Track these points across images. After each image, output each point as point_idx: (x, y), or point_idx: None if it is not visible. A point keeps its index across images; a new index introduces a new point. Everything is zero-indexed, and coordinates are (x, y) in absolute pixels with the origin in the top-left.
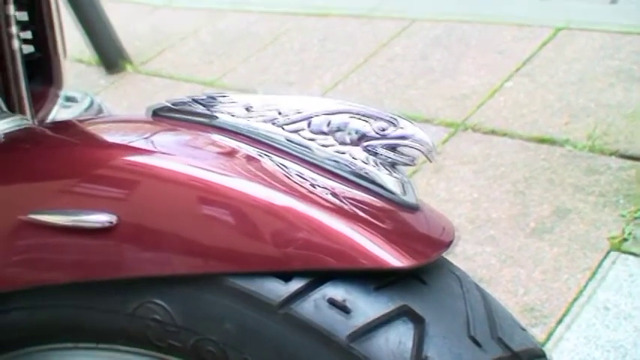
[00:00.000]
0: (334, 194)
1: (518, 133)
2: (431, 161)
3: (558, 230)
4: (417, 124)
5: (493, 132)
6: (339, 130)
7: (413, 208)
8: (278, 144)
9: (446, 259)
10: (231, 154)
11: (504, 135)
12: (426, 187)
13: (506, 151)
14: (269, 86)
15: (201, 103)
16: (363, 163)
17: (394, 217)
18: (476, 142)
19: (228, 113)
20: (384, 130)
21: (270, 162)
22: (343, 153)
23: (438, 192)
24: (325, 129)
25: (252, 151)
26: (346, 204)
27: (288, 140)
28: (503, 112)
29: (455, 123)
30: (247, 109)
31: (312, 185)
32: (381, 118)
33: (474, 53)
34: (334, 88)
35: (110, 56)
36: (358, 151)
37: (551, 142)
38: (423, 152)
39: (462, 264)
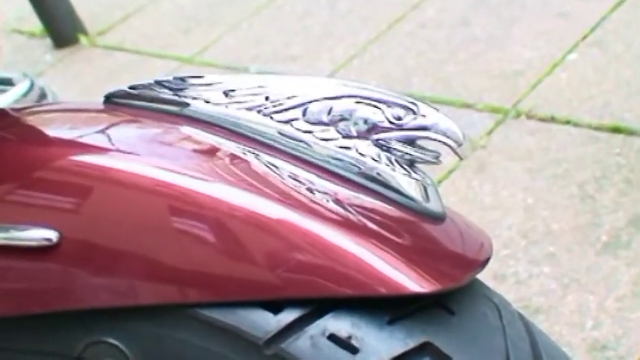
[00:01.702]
0: (337, 201)
1: (586, 120)
2: (461, 158)
3: (637, 245)
4: (454, 109)
5: (553, 119)
6: (342, 119)
7: (437, 219)
8: (266, 138)
9: (480, 282)
10: (207, 151)
11: (567, 122)
12: (465, 191)
13: (570, 144)
14: (264, 63)
15: (168, 87)
16: (373, 162)
17: (413, 230)
18: (531, 132)
19: (203, 99)
20: (400, 118)
21: (256, 161)
22: (348, 148)
23: (481, 197)
24: (325, 118)
25: (233, 147)
26: (353, 213)
27: (278, 133)
28: (565, 92)
29: (503, 108)
30: (227, 94)
31: (310, 190)
32: (397, 104)
33: (528, 17)
34: (348, 64)
35: (59, 25)
36: (367, 146)
37: (628, 131)
38: (450, 146)
39: (513, 290)
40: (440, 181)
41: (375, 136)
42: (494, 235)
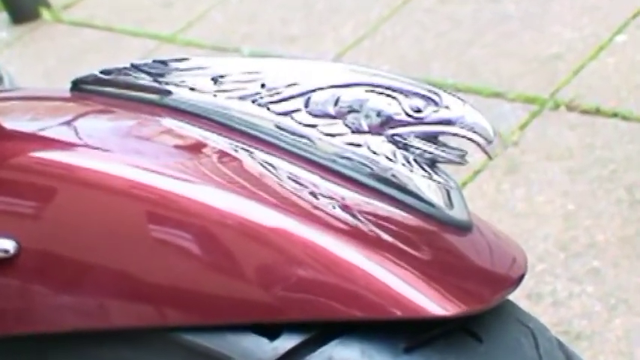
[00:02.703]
0: (345, 208)
1: (636, 112)
2: (490, 157)
3: None
4: (481, 99)
5: (598, 111)
6: (351, 111)
7: (462, 229)
8: (261, 133)
9: (512, 303)
10: (191, 148)
11: (614, 115)
12: (494, 195)
13: (617, 140)
14: (258, 44)
15: (146, 72)
16: (387, 161)
17: (434, 242)
18: (571, 127)
19: (187, 87)
20: (419, 110)
21: (250, 160)
22: (358, 145)
23: (512, 202)
24: (332, 110)
25: (222, 143)
26: (363, 222)
27: (276, 127)
28: (612, 80)
29: (540, 98)
30: (215, 81)
31: (313, 194)
32: (415, 93)
33: None
34: (357, 46)
35: None
36: (381, 143)
37: None
38: (478, 144)
39: (551, 312)
40: (464, 184)
41: (390, 131)
42: (528, 247)
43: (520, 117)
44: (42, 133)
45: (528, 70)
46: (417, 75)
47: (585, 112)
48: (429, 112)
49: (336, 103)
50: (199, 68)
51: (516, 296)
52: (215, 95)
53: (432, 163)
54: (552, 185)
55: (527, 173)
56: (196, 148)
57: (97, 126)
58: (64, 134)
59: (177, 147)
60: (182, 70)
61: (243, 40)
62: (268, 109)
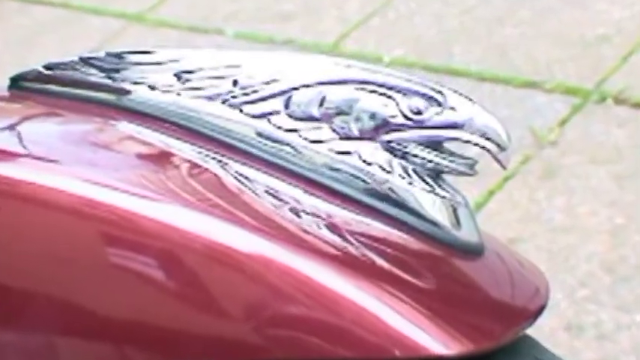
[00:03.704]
0: (333, 228)
1: None
2: (504, 167)
3: None
4: (512, 90)
5: None
6: (340, 112)
7: (472, 252)
8: (234, 139)
9: (532, 339)
10: (152, 158)
11: None
12: (527, 206)
13: None
14: (245, 23)
15: (98, 67)
16: (383, 172)
17: (438, 269)
18: (620, 123)
19: (148, 85)
20: (420, 112)
21: (221, 171)
22: (348, 154)
23: (549, 214)
24: (316, 112)
25: (189, 151)
26: (354, 245)
27: (251, 132)
28: None
29: (583, 89)
30: (180, 77)
31: (295, 212)
32: (415, 92)
33: None
34: (364, 25)
35: None
36: (375, 151)
37: None
38: (489, 151)
39: (594, 346)
40: (492, 192)
41: (386, 137)
42: (568, 269)
43: (559, 111)
44: None
45: (569, 55)
46: (436, 60)
47: (637, 105)
48: (431, 114)
49: (322, 103)
50: (161, 62)
51: (553, 328)
52: (179, 94)
53: (436, 175)
54: (597, 194)
55: (567, 179)
56: (158, 157)
57: (40, 131)
58: (0, 141)
59: (135, 156)
60: (141, 64)
61: (228, 18)
62: (241, 110)
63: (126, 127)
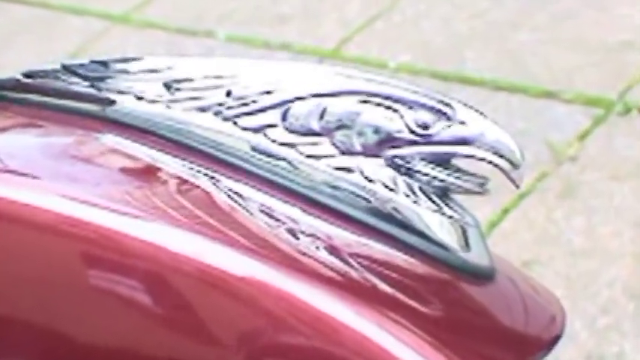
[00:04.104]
0: (333, 250)
1: None
2: (517, 186)
3: None
4: (528, 100)
5: None
6: (341, 126)
7: (482, 277)
8: (226, 154)
9: None
10: (139, 173)
11: None
12: (544, 226)
13: None
14: (239, 25)
15: (82, 76)
16: (387, 190)
17: (445, 295)
18: None
19: (135, 95)
20: (427, 126)
21: (212, 188)
22: (350, 171)
23: (568, 235)
24: (316, 125)
25: (178, 167)
26: (355, 268)
27: (246, 147)
28: None
29: (605, 99)
30: (169, 87)
31: (292, 233)
32: (422, 105)
33: None
34: (367, 28)
35: None
36: (378, 168)
37: None
38: (501, 169)
39: None
40: (506, 211)
41: (390, 153)
42: (589, 295)
43: (579, 124)
44: None
45: (590, 62)
46: (446, 67)
47: None
48: (439, 129)
49: (322, 116)
50: (150, 71)
51: (572, 358)
52: (168, 106)
53: (443, 194)
54: (620, 213)
55: (587, 197)
56: (145, 172)
57: (17, 144)
58: None
59: (120, 171)
60: (128, 73)
61: (219, 20)
62: (235, 123)
63: (110, 139)
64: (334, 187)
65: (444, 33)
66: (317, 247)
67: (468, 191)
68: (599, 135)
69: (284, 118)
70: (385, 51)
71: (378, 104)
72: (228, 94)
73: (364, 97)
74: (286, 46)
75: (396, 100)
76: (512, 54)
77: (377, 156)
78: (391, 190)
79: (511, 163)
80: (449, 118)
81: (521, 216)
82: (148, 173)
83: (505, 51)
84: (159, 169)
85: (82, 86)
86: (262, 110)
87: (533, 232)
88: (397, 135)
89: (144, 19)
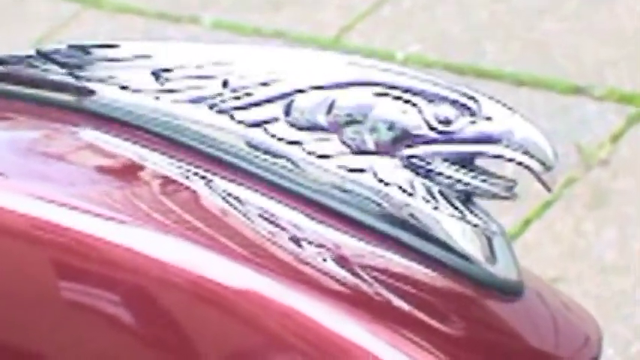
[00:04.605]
0: (341, 261)
1: None
2: (549, 190)
3: None
4: (555, 96)
5: None
6: (352, 121)
7: (509, 293)
8: (222, 152)
9: None
10: (122, 172)
11: None
12: (573, 239)
13: None
14: (226, 11)
15: (59, 62)
16: (403, 194)
17: (468, 312)
18: None
19: (117, 84)
20: (448, 122)
21: (206, 190)
22: (361, 171)
23: (599, 249)
24: (323, 120)
25: (167, 165)
26: (367, 282)
27: (244, 144)
28: None
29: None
30: (158, 76)
31: (296, 241)
32: (443, 98)
33: None
34: (372, 15)
35: None
36: (393, 169)
37: None
38: (531, 170)
39: None
40: (528, 221)
41: (407, 152)
42: (621, 317)
43: (612, 123)
44: None
45: (624, 55)
46: (462, 59)
47: None
48: (462, 125)
49: (330, 109)
50: (136, 58)
51: None
52: (157, 97)
53: (466, 198)
54: None
55: (620, 206)
56: (128, 171)
57: None
58: None
59: (100, 170)
60: (110, 60)
61: (205, 4)
62: (232, 117)
63: (89, 134)
64: (343, 190)
65: (459, 20)
66: (324, 258)
67: (493, 196)
68: (634, 136)
69: (287, 111)
70: (392, 40)
71: (394, 97)
72: (225, 84)
73: (378, 89)
74: (279, 33)
75: (415, 93)
76: (536, 45)
77: (392, 155)
78: (408, 193)
79: (543, 164)
80: (473, 114)
81: (546, 227)
82: (132, 172)
83: (529, 41)
84: (144, 167)
85: (58, 74)
86: (263, 103)
87: (559, 245)
88: (415, 132)
89: (118, 3)
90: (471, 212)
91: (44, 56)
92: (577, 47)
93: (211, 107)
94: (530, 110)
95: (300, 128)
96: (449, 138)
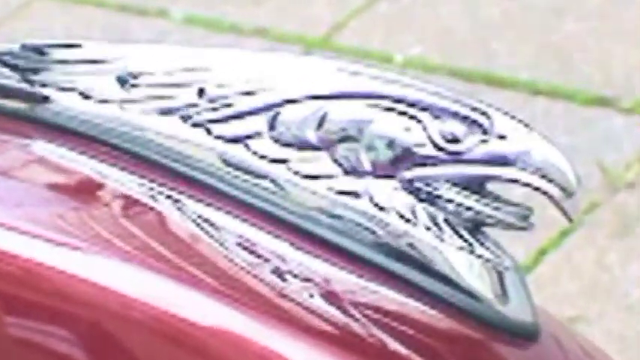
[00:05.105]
0: (331, 297)
1: None
2: (570, 219)
3: None
4: (575, 108)
5: None
6: (346, 138)
7: (523, 336)
8: (196, 170)
9: None
10: (78, 191)
11: None
12: (595, 272)
13: None
14: (200, 3)
15: (10, 65)
16: (402, 222)
17: (477, 357)
18: None
19: (78, 90)
20: (456, 140)
21: (176, 213)
22: (355, 195)
23: (625, 285)
24: (312, 136)
25: (131, 184)
26: (359, 322)
27: (221, 161)
28: None
29: None
30: (124, 82)
31: (279, 274)
32: (451, 113)
33: None
34: (366, 12)
35: None
36: (392, 192)
37: None
38: (551, 197)
39: None
40: (543, 252)
41: (409, 174)
42: None
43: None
44: None
45: None
46: (470, 64)
47: None
48: (472, 144)
49: (321, 124)
50: (99, 61)
51: None
52: (122, 107)
53: (475, 228)
54: None
55: None
56: (86, 191)
57: None
58: None
59: (54, 189)
60: (70, 63)
61: None
62: (209, 131)
63: (41, 147)
64: (334, 216)
65: (467, 19)
66: (310, 294)
67: (506, 225)
68: None
69: (271, 125)
70: (390, 41)
71: (394, 110)
72: (201, 93)
73: (375, 101)
74: (260, 31)
75: (417, 105)
76: (555, 49)
77: (391, 177)
78: (408, 221)
79: (563, 190)
80: (485, 131)
81: (564, 259)
82: (90, 191)
83: (546, 45)
84: (104, 186)
85: (10, 79)
86: (244, 115)
87: (579, 280)
88: (417, 150)
89: None
90: (480, 244)
91: None
92: (601, 51)
93: (184, 119)
94: (547, 124)
95: (286, 144)
96: (456, 158)
